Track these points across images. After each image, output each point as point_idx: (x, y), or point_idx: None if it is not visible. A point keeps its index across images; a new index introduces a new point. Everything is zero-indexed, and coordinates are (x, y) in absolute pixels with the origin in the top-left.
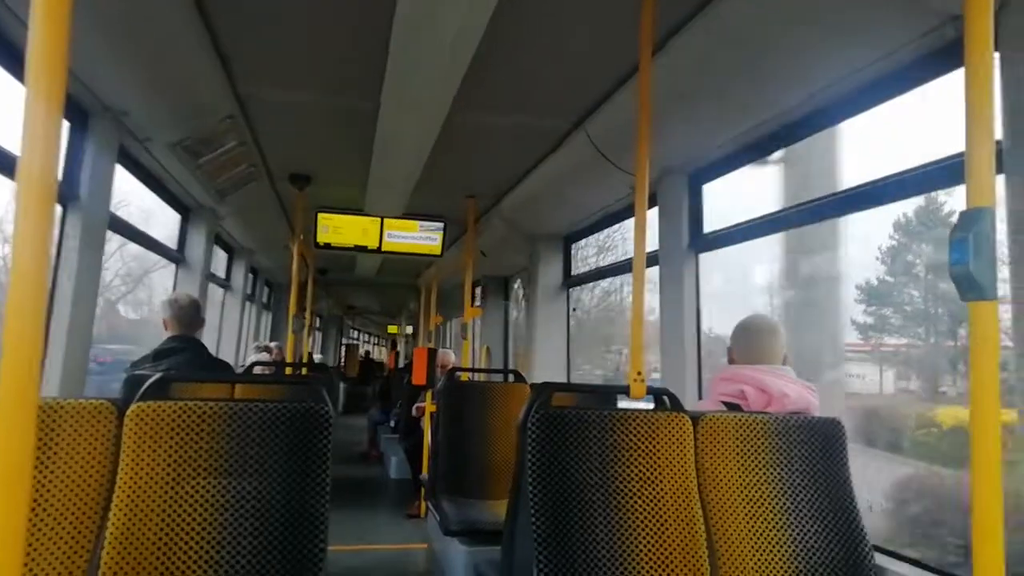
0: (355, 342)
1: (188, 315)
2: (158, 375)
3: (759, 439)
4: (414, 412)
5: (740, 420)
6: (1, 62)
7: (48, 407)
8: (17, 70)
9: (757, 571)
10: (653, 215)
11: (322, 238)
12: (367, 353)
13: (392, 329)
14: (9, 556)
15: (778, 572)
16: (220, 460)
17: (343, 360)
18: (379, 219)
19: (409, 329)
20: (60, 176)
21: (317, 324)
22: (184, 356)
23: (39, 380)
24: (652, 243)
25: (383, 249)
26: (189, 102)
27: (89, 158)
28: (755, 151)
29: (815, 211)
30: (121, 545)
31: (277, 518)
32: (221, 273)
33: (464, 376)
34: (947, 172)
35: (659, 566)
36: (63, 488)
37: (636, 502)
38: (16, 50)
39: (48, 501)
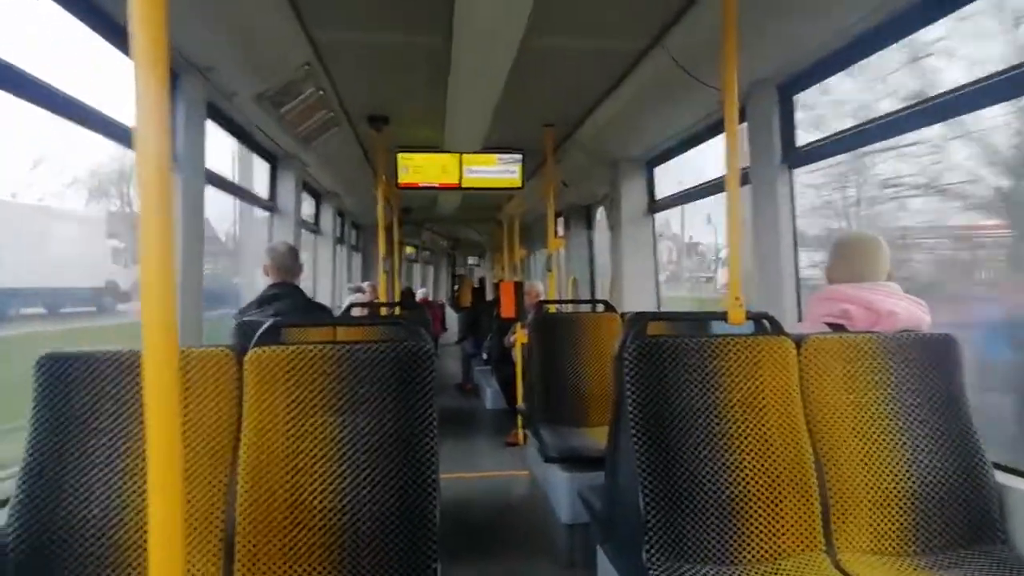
0: (468, 271)
1: (286, 262)
2: (270, 322)
3: (867, 359)
4: (506, 344)
5: (846, 341)
6: (109, 39)
7: (179, 356)
8: (121, 45)
9: (869, 494)
10: (741, 132)
11: (403, 178)
12: (481, 280)
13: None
14: (171, 487)
15: (891, 495)
16: (333, 398)
17: (457, 291)
18: (458, 155)
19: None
20: None
21: (427, 258)
22: (287, 302)
23: (177, 331)
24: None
25: (463, 185)
26: (268, 52)
27: (181, 117)
28: (850, 54)
29: (923, 115)
30: (253, 478)
31: (391, 449)
32: (311, 219)
33: (552, 308)
34: None
35: (766, 490)
36: (198, 427)
37: (739, 427)
38: (118, 26)
39: (188, 439)
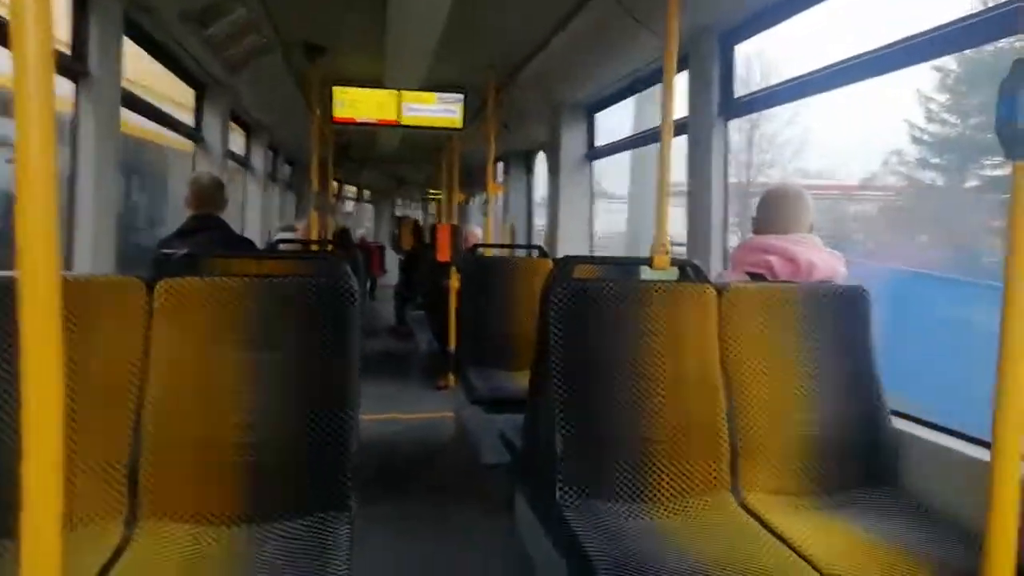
0: (409, 215)
1: (210, 193)
2: (184, 252)
3: (784, 308)
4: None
5: (766, 290)
6: None
7: (77, 284)
8: None
9: (776, 438)
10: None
11: (338, 113)
12: (417, 223)
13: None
14: (49, 430)
15: (796, 439)
16: (248, 334)
17: (399, 232)
18: (396, 92)
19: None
20: (68, 51)
21: (366, 198)
22: (208, 234)
23: (57, 251)
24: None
25: (402, 123)
26: None
27: (95, 30)
28: (792, 5)
29: (856, 69)
30: (159, 412)
31: (307, 389)
32: (241, 152)
33: (488, 252)
34: (1003, 21)
35: (679, 432)
36: (100, 361)
37: (657, 371)
38: None
39: (86, 373)
